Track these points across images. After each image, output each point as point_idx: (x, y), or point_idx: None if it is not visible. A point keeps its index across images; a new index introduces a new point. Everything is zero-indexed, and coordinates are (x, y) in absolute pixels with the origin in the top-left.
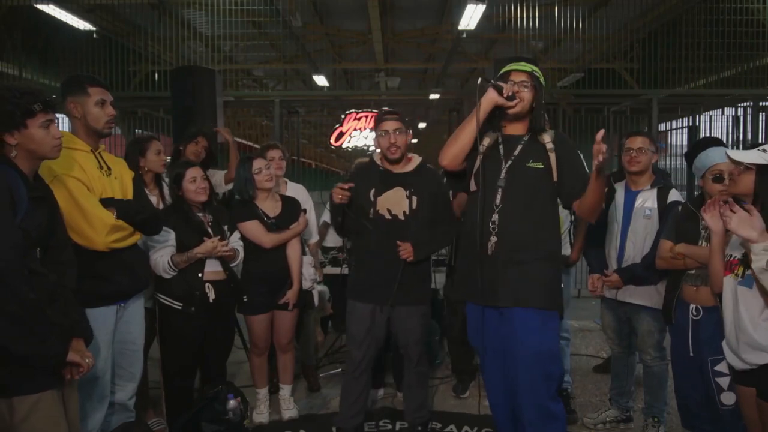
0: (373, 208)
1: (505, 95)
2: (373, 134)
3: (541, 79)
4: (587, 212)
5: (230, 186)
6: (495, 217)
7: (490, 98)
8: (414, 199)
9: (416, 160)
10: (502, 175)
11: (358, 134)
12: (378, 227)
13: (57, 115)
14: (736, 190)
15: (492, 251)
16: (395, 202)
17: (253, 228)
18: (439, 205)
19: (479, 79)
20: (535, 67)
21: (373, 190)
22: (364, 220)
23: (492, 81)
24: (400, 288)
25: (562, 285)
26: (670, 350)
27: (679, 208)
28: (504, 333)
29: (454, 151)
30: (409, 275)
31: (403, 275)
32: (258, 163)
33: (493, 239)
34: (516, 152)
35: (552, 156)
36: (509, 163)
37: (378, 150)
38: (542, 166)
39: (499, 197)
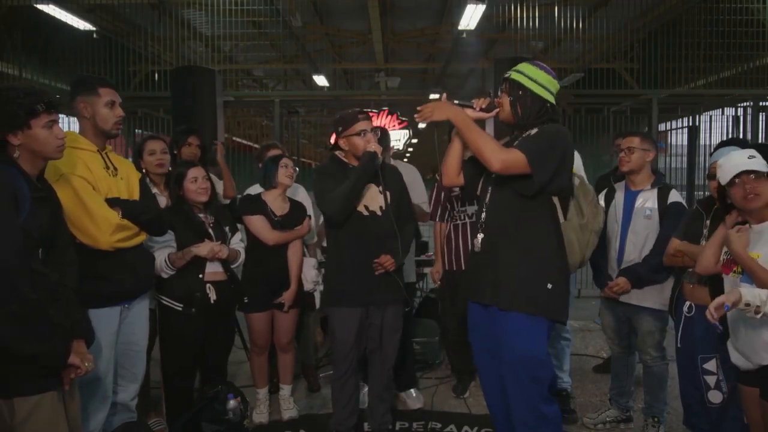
0: None
1: (477, 109)
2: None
3: (521, 77)
4: None
5: (226, 202)
6: (483, 215)
7: (464, 117)
8: (387, 194)
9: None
10: (494, 174)
11: None
12: (356, 224)
13: (65, 116)
14: (760, 203)
15: (478, 248)
16: (371, 198)
17: (258, 223)
18: (403, 201)
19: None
20: (516, 69)
21: None
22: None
23: (457, 101)
24: (384, 288)
25: (550, 286)
26: (671, 349)
27: (695, 207)
28: (494, 332)
29: (445, 170)
30: (389, 274)
31: (387, 275)
32: (286, 160)
33: (480, 236)
34: None
35: None
36: None
37: (338, 150)
38: None
39: (488, 196)
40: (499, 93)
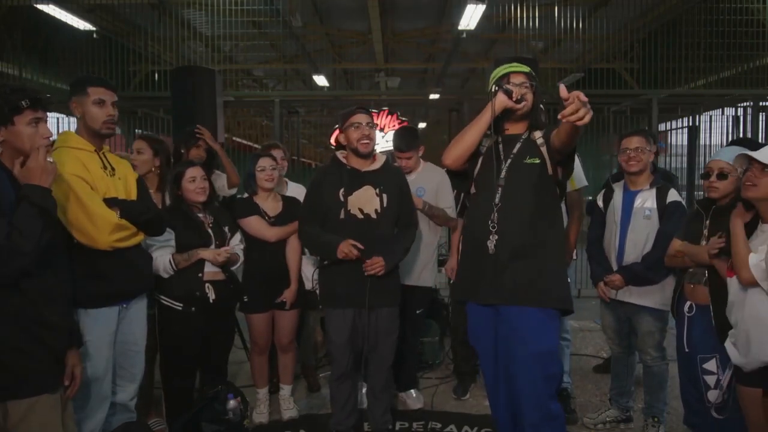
0: (344, 208)
1: (514, 99)
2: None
3: (535, 78)
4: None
5: (233, 191)
6: (494, 215)
7: (501, 102)
8: (384, 196)
9: (381, 158)
10: (503, 174)
11: None
12: (350, 228)
13: (65, 116)
14: (759, 193)
15: (493, 250)
16: (366, 201)
17: (255, 223)
18: (404, 203)
19: (493, 87)
20: (528, 69)
21: (342, 190)
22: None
23: (504, 86)
24: (377, 291)
25: (569, 279)
26: (671, 349)
27: (695, 207)
28: (502, 333)
29: (458, 152)
30: (384, 277)
31: (379, 278)
32: (263, 162)
33: (494, 237)
34: (515, 150)
35: (543, 149)
36: (509, 161)
37: (341, 150)
38: (539, 161)
39: (498, 196)
40: (526, 87)
